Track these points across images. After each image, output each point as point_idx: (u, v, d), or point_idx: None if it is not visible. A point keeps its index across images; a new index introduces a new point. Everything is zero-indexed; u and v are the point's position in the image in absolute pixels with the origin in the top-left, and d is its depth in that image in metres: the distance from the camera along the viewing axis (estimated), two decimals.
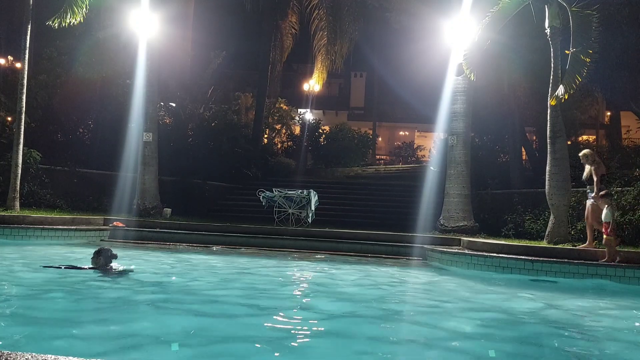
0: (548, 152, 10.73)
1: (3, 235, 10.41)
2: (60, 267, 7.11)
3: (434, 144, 24.02)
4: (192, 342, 4.03)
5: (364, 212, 17.43)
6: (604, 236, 8.80)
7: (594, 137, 28.76)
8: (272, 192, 14.51)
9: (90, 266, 6.99)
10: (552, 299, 7.07)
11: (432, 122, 18.35)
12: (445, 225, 13.89)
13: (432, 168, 17.33)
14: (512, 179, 16.96)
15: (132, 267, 7.39)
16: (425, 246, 11.48)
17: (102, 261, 6.93)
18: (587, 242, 9.65)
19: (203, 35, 23.79)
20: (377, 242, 12.24)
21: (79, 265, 7.16)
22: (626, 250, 9.22)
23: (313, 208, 14.28)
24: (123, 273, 6.99)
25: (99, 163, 16.87)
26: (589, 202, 9.54)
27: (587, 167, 9.56)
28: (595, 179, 9.30)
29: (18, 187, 12.45)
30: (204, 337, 4.20)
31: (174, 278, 7.47)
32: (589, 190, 9.59)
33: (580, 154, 9.79)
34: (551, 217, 10.61)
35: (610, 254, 8.70)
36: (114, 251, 7.18)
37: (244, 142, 21.69)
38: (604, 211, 8.84)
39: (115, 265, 7.10)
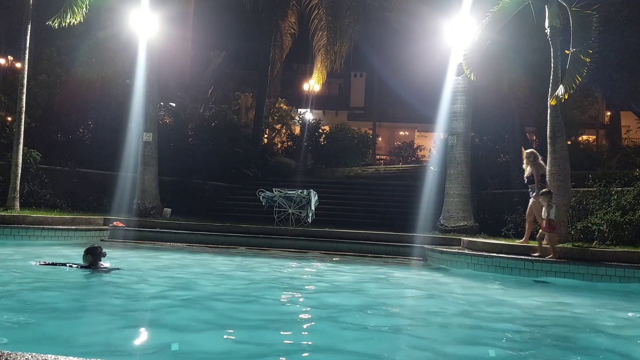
0: (548, 152, 10.72)
1: (3, 235, 10.41)
2: (52, 265, 7.18)
3: (434, 144, 24.03)
4: (175, 341, 4.03)
5: (364, 212, 17.44)
6: (540, 230, 9.40)
7: (594, 137, 28.77)
8: (272, 192, 14.51)
9: (82, 264, 7.05)
10: (552, 299, 7.07)
11: (432, 122, 18.35)
12: (445, 225, 13.89)
13: (432, 168, 17.34)
14: (512, 179, 16.94)
15: (121, 265, 7.45)
16: (425, 246, 11.48)
17: (91, 259, 6.99)
18: (524, 238, 10.25)
19: (203, 35, 23.80)
20: (377, 242, 12.24)
21: (70, 263, 7.21)
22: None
23: (313, 208, 14.28)
24: (112, 271, 7.06)
25: (99, 163, 16.87)
26: (530, 200, 10.11)
27: (528, 167, 10.11)
28: (536, 178, 9.87)
29: (18, 187, 12.45)
30: (184, 337, 4.19)
31: (163, 277, 7.48)
32: (530, 190, 10.16)
33: (525, 152, 10.41)
34: None
35: (553, 250, 9.11)
36: (104, 249, 7.25)
37: (244, 142, 21.69)
38: (543, 209, 9.28)
39: (105, 263, 7.17)
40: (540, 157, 10.17)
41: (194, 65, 23.24)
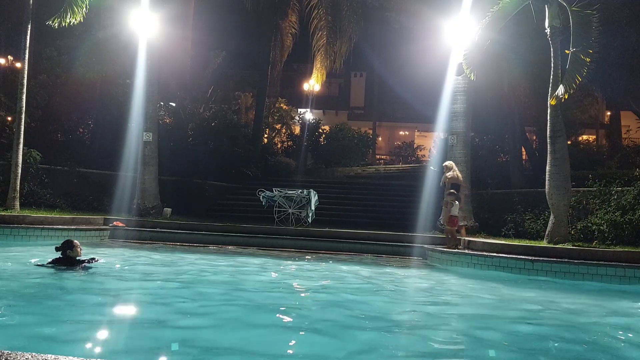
0: (548, 152, 10.73)
1: (3, 235, 10.40)
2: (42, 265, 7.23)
3: (434, 144, 24.02)
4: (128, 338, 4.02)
5: (364, 211, 17.43)
6: (447, 227, 11.11)
7: (594, 136, 28.73)
8: (272, 191, 14.50)
9: (54, 258, 7.11)
10: (552, 298, 7.07)
11: (432, 122, 18.32)
12: (445, 225, 13.88)
13: (432, 168, 17.31)
14: (512, 179, 16.95)
15: (98, 259, 7.50)
16: (425, 246, 11.50)
17: (61, 251, 7.07)
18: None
19: (203, 35, 23.76)
20: (377, 242, 12.25)
21: (48, 260, 7.24)
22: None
23: (313, 208, 14.27)
24: (85, 267, 7.11)
25: (99, 163, 16.86)
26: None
27: (445, 175, 12.05)
28: (447, 185, 11.74)
29: (18, 186, 12.45)
30: (140, 335, 4.18)
31: (138, 274, 7.52)
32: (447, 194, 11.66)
33: (444, 164, 12.49)
34: (551, 217, 10.62)
35: (452, 240, 10.87)
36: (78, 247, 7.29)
37: (244, 141, 21.67)
38: (446, 207, 11.12)
39: (85, 260, 7.26)
40: (454, 168, 12.26)
41: (194, 65, 23.21)
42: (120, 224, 12.95)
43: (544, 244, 10.25)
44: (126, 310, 5.26)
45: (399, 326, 5.16)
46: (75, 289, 6.11)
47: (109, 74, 17.77)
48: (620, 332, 5.19)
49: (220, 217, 16.13)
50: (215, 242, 12.24)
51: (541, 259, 8.92)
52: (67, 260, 7.06)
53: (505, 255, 9.27)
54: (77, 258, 7.17)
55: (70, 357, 2.15)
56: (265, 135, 26.82)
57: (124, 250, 10.67)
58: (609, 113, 28.41)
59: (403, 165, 29.47)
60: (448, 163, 12.39)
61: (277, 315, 5.29)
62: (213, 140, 20.34)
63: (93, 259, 7.43)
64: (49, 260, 7.18)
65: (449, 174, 12.06)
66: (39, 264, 7.28)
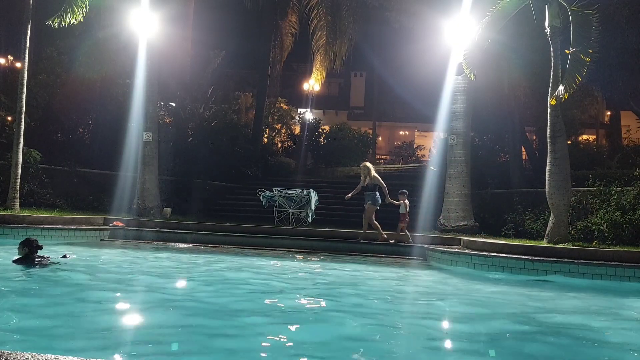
0: (548, 151, 10.72)
1: (3, 235, 10.39)
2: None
3: (434, 144, 24.04)
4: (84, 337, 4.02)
5: (364, 211, 17.38)
6: (399, 224, 11.98)
7: (594, 136, 28.73)
8: (272, 191, 14.51)
9: (17, 257, 7.10)
10: (552, 298, 7.07)
11: (432, 122, 18.32)
12: (445, 225, 13.90)
13: (432, 168, 17.34)
14: (512, 179, 16.95)
15: (60, 258, 7.53)
16: (425, 246, 11.48)
17: (26, 251, 7.06)
18: (378, 233, 12.12)
19: (203, 35, 23.76)
20: (377, 242, 12.24)
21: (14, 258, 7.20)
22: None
23: (313, 207, 14.27)
24: (49, 265, 7.10)
25: (99, 163, 16.86)
26: (366, 205, 12.20)
27: (367, 178, 12.20)
28: (383, 185, 12.11)
29: (18, 186, 12.45)
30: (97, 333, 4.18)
31: (109, 271, 7.54)
32: (365, 196, 12.20)
33: (362, 165, 12.58)
34: (551, 217, 10.61)
35: (402, 237, 11.96)
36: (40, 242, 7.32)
37: (244, 141, 21.68)
38: (402, 205, 12.04)
39: (52, 257, 7.29)
40: (374, 169, 12.46)
41: (194, 65, 23.20)
42: (120, 224, 12.95)
43: (544, 243, 10.25)
44: (116, 308, 5.25)
45: (399, 326, 5.17)
46: (74, 288, 6.12)
47: (109, 74, 17.77)
48: (620, 332, 5.19)
49: (220, 217, 16.13)
50: (215, 242, 12.23)
51: (541, 258, 8.91)
52: (30, 259, 6.99)
53: (506, 255, 9.26)
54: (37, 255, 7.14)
55: (70, 357, 2.16)
56: (265, 135, 26.82)
57: (122, 249, 10.67)
58: (609, 113, 28.42)
59: (403, 165, 29.44)
60: (368, 164, 12.58)
61: (273, 316, 5.29)
62: (213, 140, 20.34)
63: (47, 257, 7.35)
64: (14, 258, 7.12)
65: (375, 174, 12.26)
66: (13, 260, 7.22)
